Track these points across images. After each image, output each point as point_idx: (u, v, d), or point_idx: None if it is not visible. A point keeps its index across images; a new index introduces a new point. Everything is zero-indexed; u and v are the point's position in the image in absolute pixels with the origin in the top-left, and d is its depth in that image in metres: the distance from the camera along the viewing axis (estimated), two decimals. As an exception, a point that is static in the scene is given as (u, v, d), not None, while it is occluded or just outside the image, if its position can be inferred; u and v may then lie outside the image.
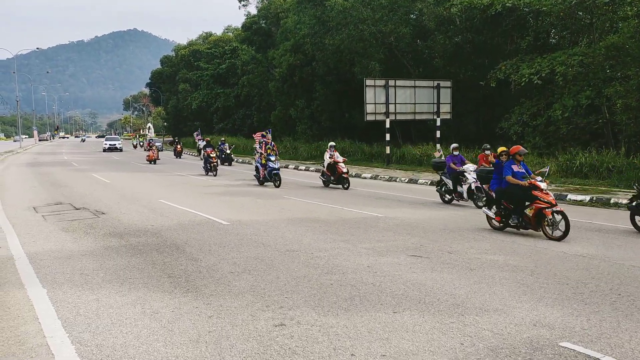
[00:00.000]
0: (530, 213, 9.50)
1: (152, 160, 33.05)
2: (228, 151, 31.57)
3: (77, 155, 44.31)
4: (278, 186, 18.42)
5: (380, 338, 4.79)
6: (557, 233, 9.22)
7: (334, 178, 18.19)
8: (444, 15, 29.23)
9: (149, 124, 76.45)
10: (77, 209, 13.17)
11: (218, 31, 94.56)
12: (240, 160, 34.39)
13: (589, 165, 18.43)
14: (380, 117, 26.73)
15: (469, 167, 13.74)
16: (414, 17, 32.22)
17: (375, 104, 26.45)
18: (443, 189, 14.39)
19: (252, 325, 5.14)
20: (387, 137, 26.83)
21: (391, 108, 26.68)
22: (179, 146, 42.79)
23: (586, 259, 7.80)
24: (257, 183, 19.69)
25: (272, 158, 18.76)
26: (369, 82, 26.44)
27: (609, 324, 5.08)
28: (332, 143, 19.35)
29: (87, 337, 4.91)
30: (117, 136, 76.33)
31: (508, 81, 24.75)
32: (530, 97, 25.14)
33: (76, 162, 34.17)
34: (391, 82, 26.95)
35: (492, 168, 11.26)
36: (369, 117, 26.58)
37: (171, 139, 69.12)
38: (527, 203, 9.54)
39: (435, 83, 27.85)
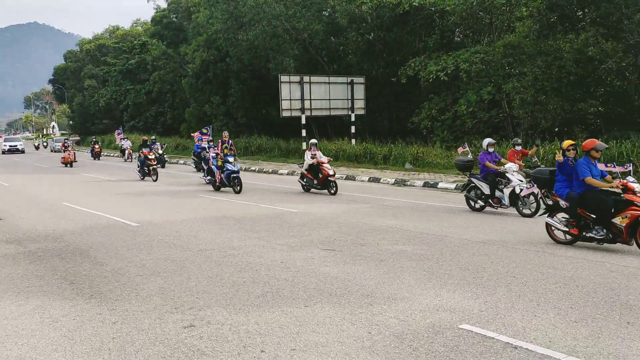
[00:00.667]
0: (622, 223, 7.55)
1: (67, 163, 30.01)
2: (160, 151, 27.41)
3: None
4: (239, 192, 15.60)
5: (291, 332, 4.82)
6: None
7: (318, 182, 15.37)
8: (356, 13, 29.82)
9: (53, 123, 72.18)
10: (-30, 216, 12.19)
11: (126, 25, 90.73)
12: (175, 161, 32.72)
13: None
14: (296, 114, 26.86)
15: (512, 167, 11.62)
16: (327, 14, 32.60)
17: (290, 100, 26.55)
18: (473, 193, 12.01)
19: (160, 329, 5.00)
20: (303, 133, 27.00)
21: (307, 104, 26.87)
22: (97, 146, 39.03)
23: (486, 245, 8.27)
24: (210, 188, 17.02)
25: (231, 159, 16.04)
26: (283, 78, 26.48)
27: (504, 305, 5.42)
28: (314, 140, 16.49)
29: (-24, 353, 4.56)
30: (18, 136, 71.00)
31: (417, 78, 25.67)
32: (438, 93, 26.25)
33: (-30, 165, 31.59)
34: (306, 79, 27.14)
35: (553, 168, 9.07)
36: (285, 114, 26.64)
37: (77, 138, 65.61)
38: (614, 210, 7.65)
39: (349, 79, 28.38)
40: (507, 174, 11.52)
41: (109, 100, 55.46)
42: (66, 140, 40.28)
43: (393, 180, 18.07)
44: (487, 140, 12.32)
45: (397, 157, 23.08)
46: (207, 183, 17.45)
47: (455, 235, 9.11)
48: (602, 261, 7.12)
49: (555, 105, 18.76)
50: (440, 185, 16.62)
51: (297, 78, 27.01)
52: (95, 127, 60.22)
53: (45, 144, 62.26)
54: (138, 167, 21.61)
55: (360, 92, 28.59)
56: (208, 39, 35.88)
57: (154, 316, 5.34)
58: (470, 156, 13.11)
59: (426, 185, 16.93)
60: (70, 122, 78.12)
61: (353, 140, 27.33)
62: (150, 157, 20.86)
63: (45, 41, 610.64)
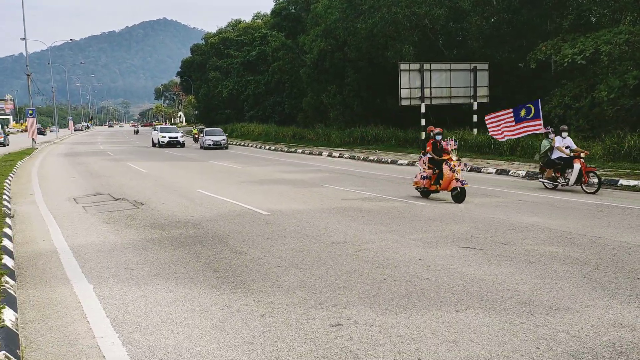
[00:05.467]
0: None
1: None
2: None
3: (112, 145, 44.85)
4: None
5: (447, 340, 4.48)
6: None
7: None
8: (480, -4, 28.34)
9: (180, 112, 76.96)
10: (116, 200, 13.16)
11: (247, 18, 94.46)
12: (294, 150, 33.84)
13: (638, 148, 17.59)
14: (415, 102, 26.16)
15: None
16: (449, -2, 31.34)
17: (410, 88, 25.89)
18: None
19: (308, 325, 4.89)
20: (423, 122, 26.23)
21: (426, 92, 26.07)
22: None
23: (653, 250, 7.31)
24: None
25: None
26: (403, 66, 25.83)
27: (697, 325, 4.66)
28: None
29: (137, 338, 4.74)
30: (174, 126, 54.03)
31: (547, 63, 23.84)
32: (571, 79, 24.19)
33: (111, 152, 34.54)
34: (426, 66, 26.30)
35: None
36: (404, 102, 26.03)
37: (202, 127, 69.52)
38: None
39: (472, 66, 27.08)
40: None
41: (231, 90, 58.05)
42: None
43: (524, 173, 16.91)
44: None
45: (525, 148, 21.64)
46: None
47: (611, 236, 8.18)
48: None
49: None
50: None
51: (417, 65, 26.23)
52: (219, 116, 63.40)
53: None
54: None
55: (483, 79, 27.20)
56: (326, 28, 36.04)
57: (300, 311, 5.24)
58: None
59: (562, 179, 15.59)
60: (196, 112, 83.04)
61: (475, 130, 26.09)
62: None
63: (173, 36, 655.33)
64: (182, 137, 40.61)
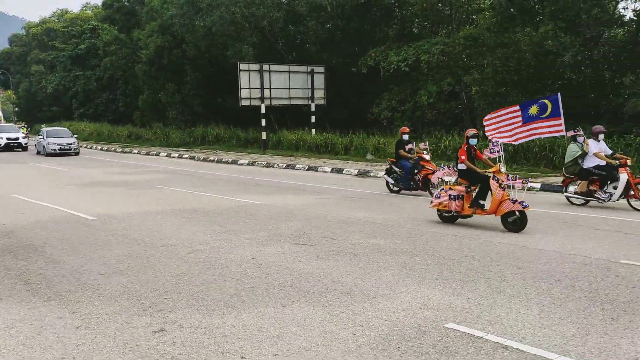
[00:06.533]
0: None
1: None
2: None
3: None
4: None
5: (272, 336, 4.56)
6: None
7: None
8: (315, 1, 29.46)
9: (-3, 109, 68.54)
10: None
11: (75, 8, 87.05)
12: (129, 150, 31.64)
13: (452, 148, 19.66)
14: (255, 102, 26.37)
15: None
16: (286, 1, 32.08)
17: (250, 88, 26.06)
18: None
19: (128, 334, 4.64)
20: (263, 122, 26.55)
21: (266, 93, 26.43)
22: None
23: (458, 237, 8.21)
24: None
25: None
26: (243, 66, 25.93)
27: (487, 301, 5.32)
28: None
29: None
30: (12, 125, 43.20)
31: (376, 68, 25.62)
32: (398, 84, 26.25)
33: None
34: (265, 67, 26.67)
35: None
36: (244, 102, 26.13)
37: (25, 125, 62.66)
38: None
39: (309, 69, 28.05)
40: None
41: (57, 86, 53.03)
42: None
43: (356, 171, 17.95)
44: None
45: (359, 147, 23.01)
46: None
47: (426, 228, 9.02)
48: (575, 254, 7.15)
49: (515, 97, 19.02)
50: (403, 176, 16.58)
51: (256, 66, 26.49)
52: (43, 114, 57.62)
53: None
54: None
55: (320, 81, 28.34)
56: (162, 24, 34.67)
57: (121, 320, 4.96)
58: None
59: (389, 176, 16.86)
60: (16, 108, 74.58)
61: (313, 131, 27.08)
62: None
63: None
64: (24, 138, 33.27)
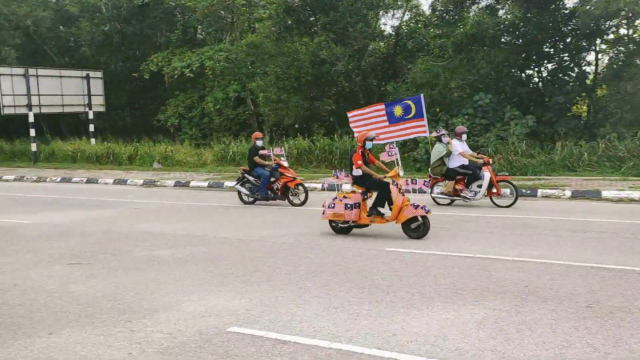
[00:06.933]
0: None
1: None
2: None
3: None
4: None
5: (32, 371, 4.03)
6: None
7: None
8: (88, 1, 27.44)
9: None
10: None
11: None
12: None
13: (240, 153, 19.97)
14: (21, 110, 23.59)
15: None
16: (54, 0, 29.24)
17: (14, 95, 23.22)
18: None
19: None
20: (32, 132, 23.76)
21: (34, 100, 23.76)
22: None
23: (244, 241, 8.32)
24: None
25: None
26: (3, 70, 22.98)
27: (268, 301, 5.46)
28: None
29: None
30: None
31: (161, 74, 24.84)
32: (184, 90, 25.79)
33: None
34: (32, 71, 24.03)
35: None
36: (7, 111, 23.20)
37: None
38: None
39: (85, 73, 26.00)
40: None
41: None
42: None
43: (142, 182, 17.10)
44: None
45: (144, 156, 22.02)
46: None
47: (211, 233, 8.97)
48: (348, 246, 7.78)
49: (296, 103, 20.08)
50: (192, 184, 16.32)
51: (20, 70, 23.67)
52: None
53: None
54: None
55: (98, 87, 26.40)
56: None
57: None
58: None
59: (178, 184, 16.45)
60: None
61: (93, 140, 25.15)
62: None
63: None
64: None
